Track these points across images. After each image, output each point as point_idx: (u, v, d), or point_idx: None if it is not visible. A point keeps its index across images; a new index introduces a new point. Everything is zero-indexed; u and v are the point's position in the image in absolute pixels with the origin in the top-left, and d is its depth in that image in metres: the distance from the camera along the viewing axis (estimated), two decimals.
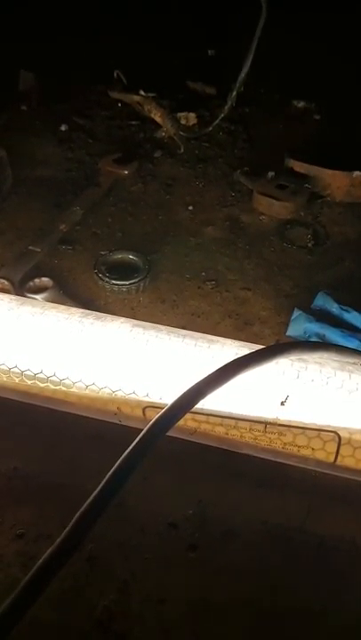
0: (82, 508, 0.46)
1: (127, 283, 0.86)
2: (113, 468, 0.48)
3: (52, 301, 0.80)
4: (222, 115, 1.18)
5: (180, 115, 1.22)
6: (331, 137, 1.18)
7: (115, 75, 1.27)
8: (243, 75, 1.15)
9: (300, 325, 0.79)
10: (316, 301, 0.84)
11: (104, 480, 0.48)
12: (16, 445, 0.65)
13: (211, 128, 1.19)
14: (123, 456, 0.49)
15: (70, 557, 0.45)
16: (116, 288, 0.86)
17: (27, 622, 0.44)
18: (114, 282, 0.86)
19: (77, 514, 0.46)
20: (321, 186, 1.05)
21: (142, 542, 0.58)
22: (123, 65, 1.28)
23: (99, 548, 0.57)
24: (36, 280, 0.85)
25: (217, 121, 1.18)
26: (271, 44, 1.14)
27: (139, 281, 0.86)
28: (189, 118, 1.23)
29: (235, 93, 1.17)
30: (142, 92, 1.22)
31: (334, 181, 1.04)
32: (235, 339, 0.65)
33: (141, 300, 0.86)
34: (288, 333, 0.80)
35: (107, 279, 0.86)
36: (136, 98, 1.23)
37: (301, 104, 1.29)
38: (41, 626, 0.51)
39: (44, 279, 0.85)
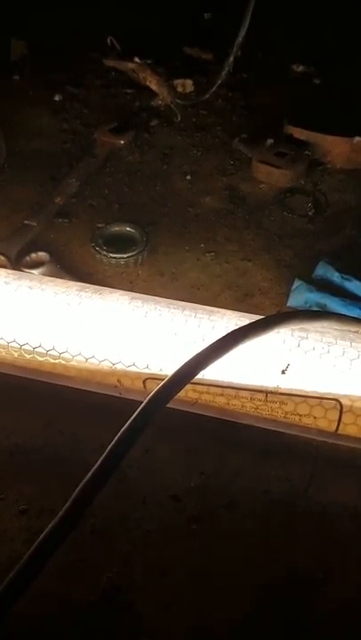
0: (82, 482, 0.46)
1: (125, 256, 0.85)
2: (113, 441, 0.48)
3: (50, 276, 0.79)
4: (220, 81, 1.15)
5: (176, 82, 1.18)
6: (331, 102, 1.15)
7: (108, 41, 1.23)
8: (240, 39, 1.11)
9: (301, 295, 0.78)
10: (317, 271, 0.82)
11: (104, 453, 0.47)
12: (16, 421, 0.65)
13: (208, 95, 1.15)
14: (123, 428, 0.49)
15: (72, 531, 0.45)
16: (113, 261, 0.85)
17: (31, 595, 0.44)
18: (111, 255, 0.85)
19: (78, 487, 0.46)
20: (321, 152, 1.03)
21: (144, 515, 0.58)
22: (116, 30, 1.24)
23: (101, 521, 0.57)
24: (33, 255, 0.84)
25: (214, 87, 1.15)
26: (269, 5, 1.11)
27: (137, 254, 0.85)
28: (186, 85, 1.19)
29: (232, 58, 1.14)
30: (137, 59, 1.19)
31: (335, 148, 1.02)
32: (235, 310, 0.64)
33: (140, 273, 0.84)
34: (289, 304, 0.79)
35: (104, 252, 0.85)
36: (131, 65, 1.19)
37: (301, 68, 1.25)
38: (45, 598, 0.52)
39: (41, 253, 0.84)
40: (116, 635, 0.51)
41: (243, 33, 1.10)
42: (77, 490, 0.46)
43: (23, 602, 0.43)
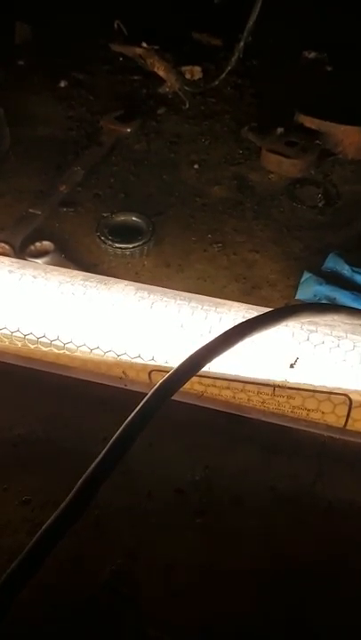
0: (86, 474, 0.46)
1: (130, 246, 0.84)
2: (117, 433, 0.47)
3: (54, 265, 0.78)
4: (229, 68, 1.13)
5: (184, 68, 1.16)
6: (343, 90, 1.13)
7: (115, 25, 1.21)
8: (250, 24, 1.10)
9: (309, 288, 0.77)
10: (327, 263, 0.81)
11: (108, 445, 0.47)
12: (20, 412, 0.64)
13: (217, 82, 1.14)
14: (127, 420, 0.48)
15: (75, 523, 0.45)
16: (119, 252, 0.84)
17: (34, 587, 0.44)
18: (117, 245, 0.84)
19: (81, 479, 0.46)
20: (332, 142, 1.01)
21: (149, 508, 0.57)
22: (124, 14, 1.22)
23: (105, 514, 0.56)
24: (37, 244, 0.83)
25: (223, 74, 1.13)
26: None
27: (142, 244, 0.84)
28: (194, 72, 1.17)
29: (242, 44, 1.12)
30: (145, 44, 1.17)
31: (346, 137, 1.00)
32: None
33: (145, 263, 0.83)
34: (298, 297, 0.78)
35: (109, 242, 0.84)
36: (138, 50, 1.17)
37: (313, 55, 1.23)
38: (48, 590, 0.51)
39: (45, 243, 0.83)
40: (119, 628, 0.51)
41: (253, 18, 1.08)
42: (81, 481, 0.46)
43: (25, 593, 0.43)
